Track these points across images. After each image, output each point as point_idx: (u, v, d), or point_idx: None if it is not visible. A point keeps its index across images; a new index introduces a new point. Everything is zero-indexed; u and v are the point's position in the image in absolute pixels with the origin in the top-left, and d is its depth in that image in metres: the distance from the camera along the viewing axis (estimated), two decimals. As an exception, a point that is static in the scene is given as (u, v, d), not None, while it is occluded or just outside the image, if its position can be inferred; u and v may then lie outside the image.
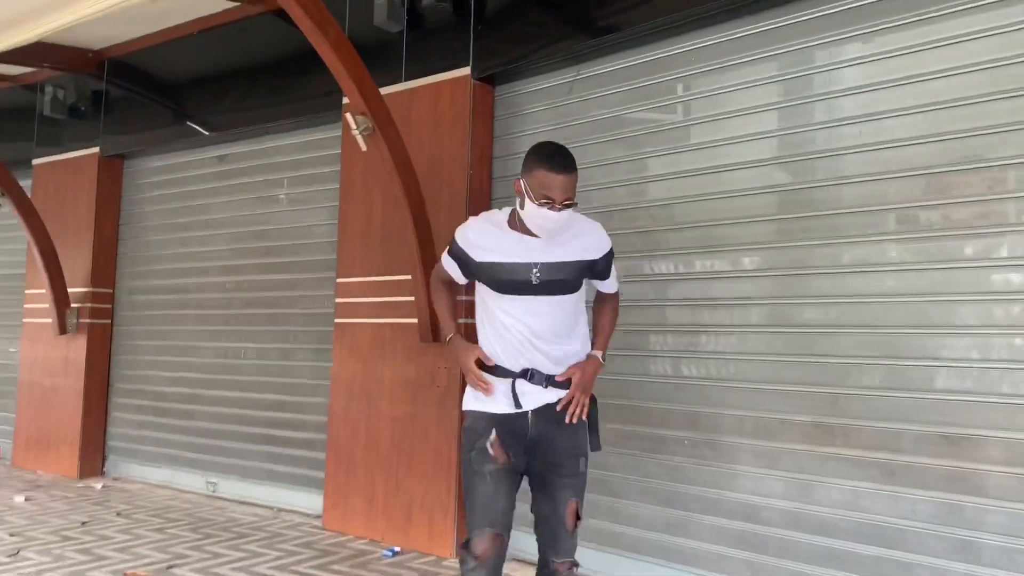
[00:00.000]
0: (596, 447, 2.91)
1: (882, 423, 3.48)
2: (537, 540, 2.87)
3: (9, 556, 4.59)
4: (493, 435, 2.78)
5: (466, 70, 4.97)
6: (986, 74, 3.34)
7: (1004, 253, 3.26)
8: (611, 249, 2.96)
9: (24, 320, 7.78)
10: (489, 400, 2.82)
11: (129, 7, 5.58)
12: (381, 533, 5.07)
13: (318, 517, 5.58)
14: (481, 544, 2.71)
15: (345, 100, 5.14)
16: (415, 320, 4.95)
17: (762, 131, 3.98)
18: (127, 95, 7.33)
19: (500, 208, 2.97)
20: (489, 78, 4.99)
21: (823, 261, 3.73)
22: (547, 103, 4.84)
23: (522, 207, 2.75)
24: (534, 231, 2.77)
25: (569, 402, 2.78)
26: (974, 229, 3.34)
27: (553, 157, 2.72)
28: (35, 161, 7.83)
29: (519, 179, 2.75)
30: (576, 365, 2.83)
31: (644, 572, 4.15)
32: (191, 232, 6.95)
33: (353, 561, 4.66)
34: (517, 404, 2.78)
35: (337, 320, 5.50)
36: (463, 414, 2.97)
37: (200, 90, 6.80)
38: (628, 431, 4.29)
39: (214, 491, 6.44)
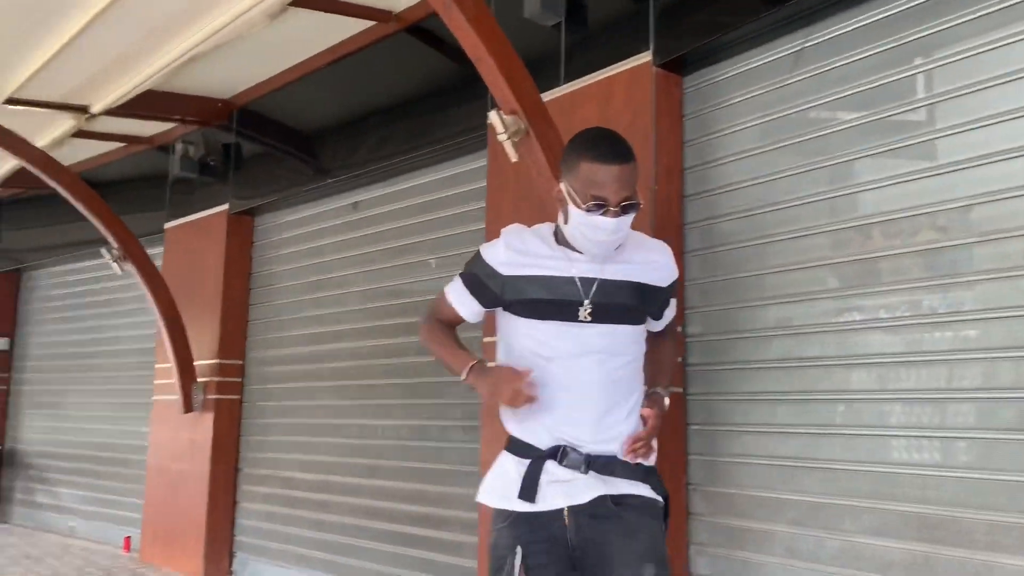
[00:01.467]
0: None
1: None
2: None
3: None
4: (517, 560, 2.01)
5: (646, 56, 3.77)
6: None
7: None
8: (676, 279, 2.36)
9: (155, 398, 7.11)
10: (506, 486, 2.08)
11: (241, 30, 4.85)
12: None
13: (469, 646, 4.35)
14: None
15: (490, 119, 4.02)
16: (588, 388, 3.70)
17: None
18: (256, 145, 6.65)
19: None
20: (676, 63, 3.77)
21: None
22: (761, 87, 3.55)
23: (566, 220, 2.14)
24: (585, 249, 2.13)
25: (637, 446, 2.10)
26: None
27: (600, 143, 2.11)
28: (167, 225, 7.27)
29: (560, 184, 2.15)
30: (651, 400, 2.19)
31: None
32: (324, 292, 6.05)
33: None
34: (529, 495, 2.03)
35: (486, 391, 4.33)
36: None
37: (332, 133, 5.99)
38: (921, 553, 2.81)
39: (347, 602, 5.34)
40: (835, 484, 3.09)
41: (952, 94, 2.94)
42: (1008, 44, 2.79)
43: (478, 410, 4.46)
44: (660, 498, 2.13)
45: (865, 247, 3.14)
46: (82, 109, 6.12)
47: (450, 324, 2.33)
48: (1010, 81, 2.77)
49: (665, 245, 2.34)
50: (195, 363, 6.49)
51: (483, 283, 2.21)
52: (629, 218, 2.06)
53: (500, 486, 2.13)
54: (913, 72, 3.07)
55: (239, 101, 6.62)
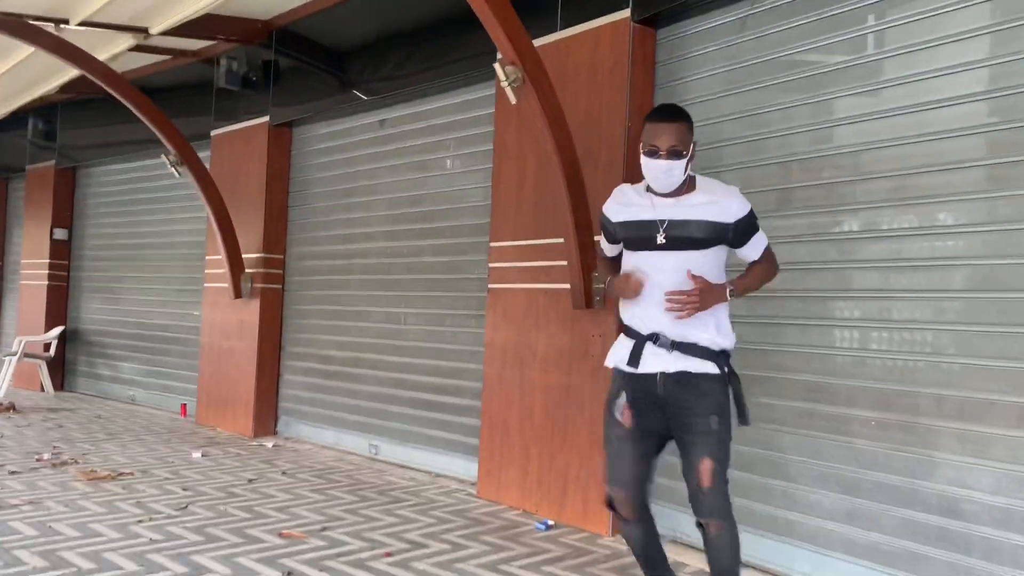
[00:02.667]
0: (744, 422, 2.91)
1: None
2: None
3: (178, 510, 4.75)
4: (623, 399, 2.92)
5: (625, 12, 4.58)
6: None
7: None
8: (748, 215, 2.91)
9: (206, 286, 8.15)
10: (620, 355, 2.94)
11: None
12: (535, 505, 4.87)
13: (473, 484, 5.46)
14: (618, 502, 2.94)
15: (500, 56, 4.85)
16: (568, 286, 4.67)
17: (969, 62, 3.37)
18: (294, 64, 7.44)
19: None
20: (651, 20, 4.58)
21: (1050, 212, 3.11)
22: (716, 44, 4.37)
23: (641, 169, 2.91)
24: (652, 186, 2.90)
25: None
26: None
27: (658, 109, 2.99)
28: (213, 132, 8.14)
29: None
30: (718, 285, 2.88)
31: (823, 566, 3.70)
32: (354, 198, 6.99)
33: (504, 533, 4.48)
34: (635, 363, 2.85)
35: (490, 285, 5.31)
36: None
37: (361, 55, 6.78)
38: (806, 409, 3.82)
39: (375, 454, 6.48)
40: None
41: (865, 59, 3.76)
42: (917, 20, 3.60)
43: (484, 302, 5.44)
44: (724, 372, 2.90)
45: (787, 178, 4.02)
46: (142, 30, 6.92)
47: (608, 260, 3.21)
48: (930, 48, 3.59)
49: (732, 189, 2.92)
50: (243, 256, 7.49)
51: (607, 229, 3.07)
52: (678, 162, 2.81)
53: (618, 355, 2.95)
54: (833, 40, 3.87)
55: (278, 23, 7.39)
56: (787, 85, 4.04)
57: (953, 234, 3.37)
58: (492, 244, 5.33)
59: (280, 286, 7.60)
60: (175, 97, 8.61)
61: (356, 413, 6.75)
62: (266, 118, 7.54)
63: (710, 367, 2.84)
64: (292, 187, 7.62)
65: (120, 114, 8.19)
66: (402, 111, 6.52)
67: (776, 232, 4.03)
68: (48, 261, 10.49)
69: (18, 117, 10.67)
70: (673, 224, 2.83)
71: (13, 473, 5.57)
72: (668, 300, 2.80)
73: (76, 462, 6.03)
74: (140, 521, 4.48)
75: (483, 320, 5.49)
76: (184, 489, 5.27)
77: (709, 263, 2.88)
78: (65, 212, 10.63)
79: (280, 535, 4.30)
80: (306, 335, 7.36)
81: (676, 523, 4.21)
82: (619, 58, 4.62)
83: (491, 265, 5.33)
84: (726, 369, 2.88)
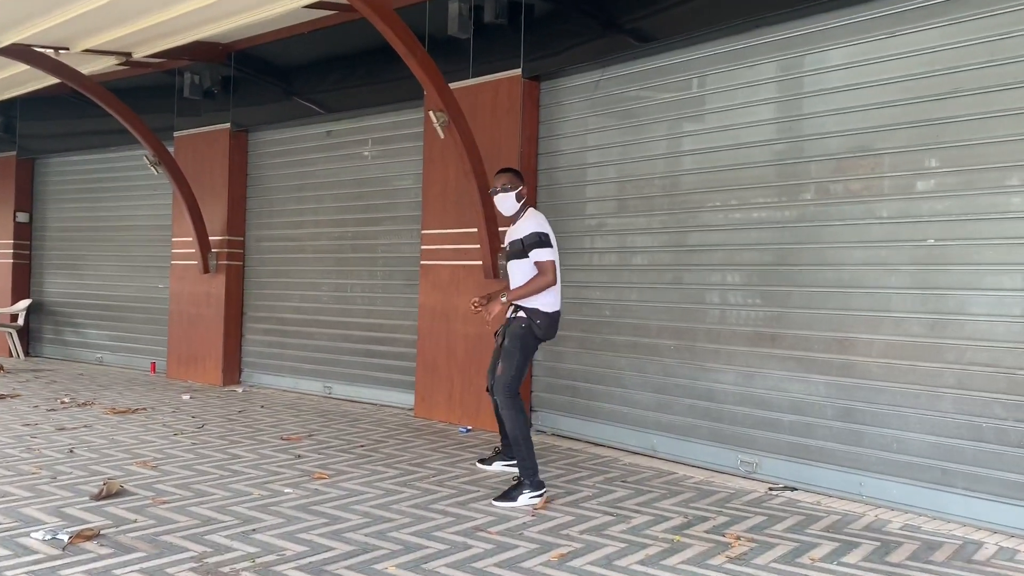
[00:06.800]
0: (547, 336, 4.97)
1: (797, 331, 5.04)
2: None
3: (198, 428, 6.53)
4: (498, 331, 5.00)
5: (518, 71, 6.55)
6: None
7: (885, 214, 4.74)
8: (529, 235, 4.73)
9: (173, 263, 9.76)
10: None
11: (263, 18, 7.32)
12: (458, 418, 6.87)
13: (410, 410, 7.41)
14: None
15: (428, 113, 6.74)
16: (480, 262, 6.65)
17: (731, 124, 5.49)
18: (250, 80, 9.08)
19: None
20: (535, 76, 6.57)
21: (760, 217, 5.27)
22: (580, 96, 6.40)
23: None
24: (502, 213, 4.99)
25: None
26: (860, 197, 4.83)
27: (501, 168, 5.14)
28: (176, 133, 9.70)
29: None
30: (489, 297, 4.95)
31: (643, 439, 5.83)
32: (305, 192, 8.76)
33: (438, 435, 6.48)
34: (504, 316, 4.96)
35: (422, 262, 7.24)
36: None
37: (309, 77, 8.50)
38: (633, 341, 5.94)
39: (329, 393, 8.35)
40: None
41: (671, 117, 5.84)
42: (732, 89, 5.70)
43: (416, 274, 7.36)
44: (523, 325, 4.88)
45: (621, 192, 6.10)
46: (126, 54, 8.46)
47: None
48: (731, 110, 5.69)
49: (535, 221, 4.77)
50: (209, 238, 9.15)
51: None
52: (507, 194, 4.88)
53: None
54: (652, 103, 5.94)
55: (237, 46, 9.02)
56: (622, 130, 6.11)
57: (710, 231, 5.51)
58: (423, 231, 7.25)
59: (241, 263, 9.30)
60: (137, 98, 9.98)
61: (311, 362, 8.59)
62: (227, 124, 9.18)
63: (519, 320, 4.77)
64: (250, 182, 9.31)
65: (78, 110, 9.63)
66: (347, 125, 8.32)
67: (613, 227, 6.19)
68: (12, 242, 11.78)
69: (-25, 111, 11.85)
70: (509, 244, 4.81)
71: (51, 411, 7.20)
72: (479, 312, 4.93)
73: (93, 403, 7.67)
74: (175, 435, 6.26)
75: (415, 288, 7.42)
76: (193, 417, 7.04)
77: (529, 265, 4.75)
78: (24, 198, 11.91)
79: (282, 438, 6.17)
80: (265, 302, 9.12)
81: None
82: (513, 102, 6.60)
83: (423, 247, 7.25)
84: (524, 321, 4.78)
